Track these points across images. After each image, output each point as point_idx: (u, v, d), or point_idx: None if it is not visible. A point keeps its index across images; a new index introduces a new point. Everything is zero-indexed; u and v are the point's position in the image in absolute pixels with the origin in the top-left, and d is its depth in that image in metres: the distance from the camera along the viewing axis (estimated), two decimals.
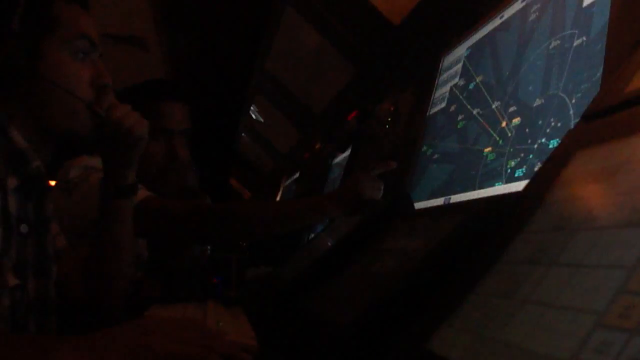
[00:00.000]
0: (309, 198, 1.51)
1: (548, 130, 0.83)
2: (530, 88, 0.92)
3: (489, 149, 0.99)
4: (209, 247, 1.78)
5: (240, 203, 1.39)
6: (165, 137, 1.51)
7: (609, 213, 0.42)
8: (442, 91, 1.31)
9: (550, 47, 0.90)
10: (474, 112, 1.10)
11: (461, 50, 1.28)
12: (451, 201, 1.07)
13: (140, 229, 1.14)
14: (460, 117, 1.16)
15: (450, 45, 1.34)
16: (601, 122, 0.55)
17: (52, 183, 1.17)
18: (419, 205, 1.17)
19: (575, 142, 0.55)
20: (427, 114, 1.35)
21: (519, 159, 0.89)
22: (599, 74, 0.75)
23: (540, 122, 0.86)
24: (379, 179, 1.33)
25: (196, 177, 1.93)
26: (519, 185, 0.86)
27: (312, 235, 1.82)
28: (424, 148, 1.31)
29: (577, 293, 0.38)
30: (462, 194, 1.04)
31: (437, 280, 0.61)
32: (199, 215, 1.36)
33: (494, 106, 1.03)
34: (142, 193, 1.26)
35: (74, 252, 1.12)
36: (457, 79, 1.24)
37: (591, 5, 0.83)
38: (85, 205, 1.26)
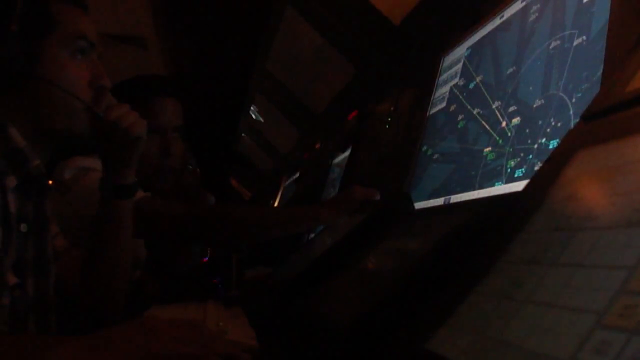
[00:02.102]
0: (306, 205, 1.53)
1: (548, 130, 0.83)
2: (530, 88, 0.92)
3: (489, 149, 0.99)
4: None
5: (236, 206, 1.38)
6: (159, 134, 1.48)
7: (609, 213, 0.42)
8: (442, 91, 1.31)
9: (550, 47, 0.90)
10: (474, 112, 1.10)
11: (461, 50, 1.27)
12: (451, 201, 1.07)
13: (136, 231, 1.14)
14: (460, 117, 1.16)
15: (450, 45, 1.34)
16: (601, 122, 0.55)
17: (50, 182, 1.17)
18: (419, 205, 1.17)
19: (575, 142, 0.55)
20: (427, 114, 1.35)
21: (519, 159, 0.89)
22: (599, 74, 0.75)
23: (540, 122, 0.86)
24: (375, 188, 1.35)
25: (197, 174, 1.92)
26: (519, 185, 0.86)
27: (312, 235, 1.82)
28: (424, 148, 1.31)
29: (577, 293, 0.38)
30: (462, 194, 1.04)
31: (436, 280, 0.61)
32: (195, 218, 1.36)
33: (494, 106, 1.02)
34: (139, 194, 1.26)
35: (73, 251, 1.12)
36: (457, 79, 1.24)
37: (591, 4, 0.83)
38: (79, 206, 1.26)
